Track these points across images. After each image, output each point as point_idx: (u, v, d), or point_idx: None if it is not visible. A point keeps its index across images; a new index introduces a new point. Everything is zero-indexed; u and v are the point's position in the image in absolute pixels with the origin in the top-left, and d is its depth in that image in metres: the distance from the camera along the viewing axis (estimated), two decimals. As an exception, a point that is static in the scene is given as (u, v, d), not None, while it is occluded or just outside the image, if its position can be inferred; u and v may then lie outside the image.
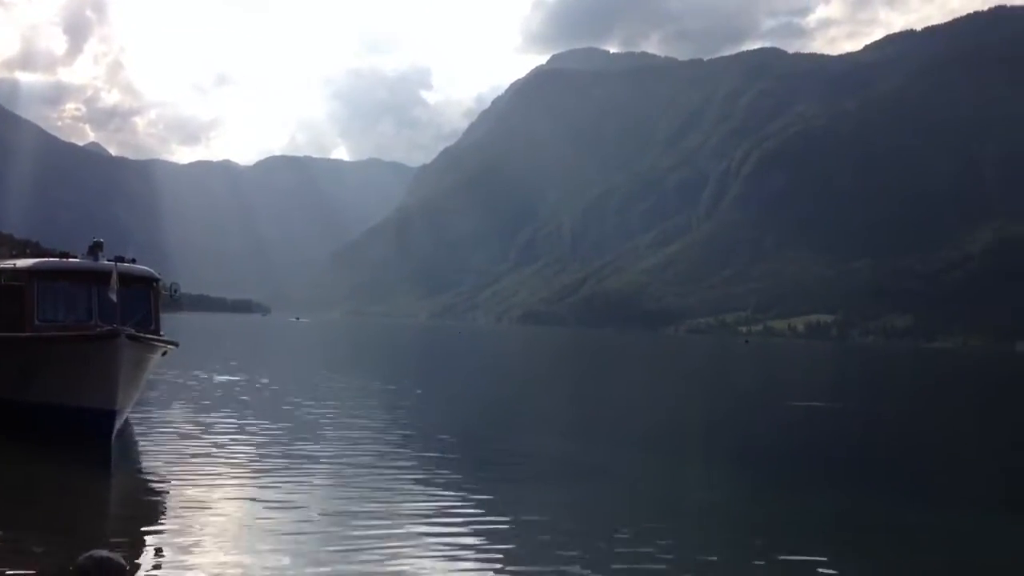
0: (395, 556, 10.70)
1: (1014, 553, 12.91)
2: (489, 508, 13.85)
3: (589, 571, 10.44)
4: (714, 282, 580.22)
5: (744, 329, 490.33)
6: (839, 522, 14.27)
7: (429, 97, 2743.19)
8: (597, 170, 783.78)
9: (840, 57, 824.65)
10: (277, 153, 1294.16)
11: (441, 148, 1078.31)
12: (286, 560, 10.28)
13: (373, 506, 13.64)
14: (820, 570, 10.85)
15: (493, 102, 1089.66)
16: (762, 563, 11.10)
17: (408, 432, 23.36)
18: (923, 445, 27.47)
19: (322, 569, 9.92)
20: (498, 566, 10.62)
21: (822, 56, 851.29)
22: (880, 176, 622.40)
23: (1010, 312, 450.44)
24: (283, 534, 11.61)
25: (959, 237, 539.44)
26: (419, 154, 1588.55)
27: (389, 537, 11.61)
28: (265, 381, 36.88)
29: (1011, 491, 18.80)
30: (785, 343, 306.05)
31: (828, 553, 11.64)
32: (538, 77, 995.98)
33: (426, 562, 10.65)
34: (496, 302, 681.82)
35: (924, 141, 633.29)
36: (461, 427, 25.58)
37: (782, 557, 11.35)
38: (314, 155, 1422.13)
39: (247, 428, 22.38)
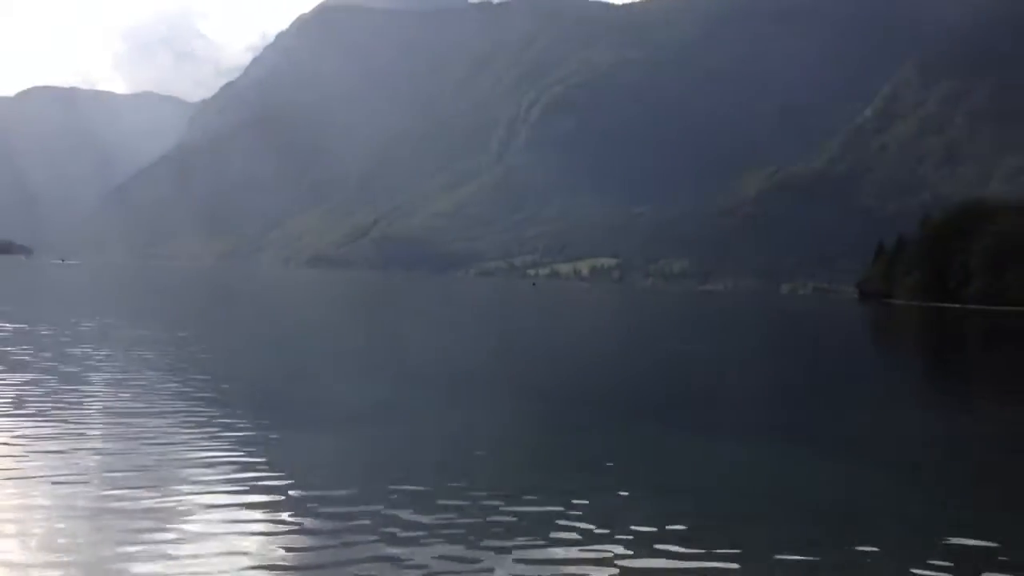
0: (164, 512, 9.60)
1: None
2: (271, 455, 12.70)
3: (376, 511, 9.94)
4: (504, 226, 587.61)
5: (532, 272, 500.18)
6: (605, 450, 14.21)
7: (208, 29, 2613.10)
8: (387, 111, 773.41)
9: (627, 6, 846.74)
10: (41, 84, 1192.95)
11: (222, 83, 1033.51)
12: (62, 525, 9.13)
13: (144, 459, 12.08)
14: (578, 501, 10.61)
15: (277, 36, 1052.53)
16: (541, 495, 10.88)
17: (187, 380, 20.09)
18: (716, 382, 26.76)
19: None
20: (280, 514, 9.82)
21: (610, 5, 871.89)
22: (662, 124, 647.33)
23: (777, 255, 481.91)
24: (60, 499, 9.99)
25: (733, 184, 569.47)
26: (199, 89, 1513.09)
27: (159, 487, 10.58)
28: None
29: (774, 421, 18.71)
30: (570, 285, 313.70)
31: (602, 482, 11.54)
32: (325, 12, 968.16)
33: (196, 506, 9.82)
34: (283, 245, 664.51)
35: (703, 91, 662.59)
36: (247, 375, 23.02)
37: (563, 487, 11.22)
38: (82, 87, 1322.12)
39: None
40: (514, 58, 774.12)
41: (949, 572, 8.64)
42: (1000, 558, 9.29)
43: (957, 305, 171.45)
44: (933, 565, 8.84)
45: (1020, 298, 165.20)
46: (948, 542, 9.61)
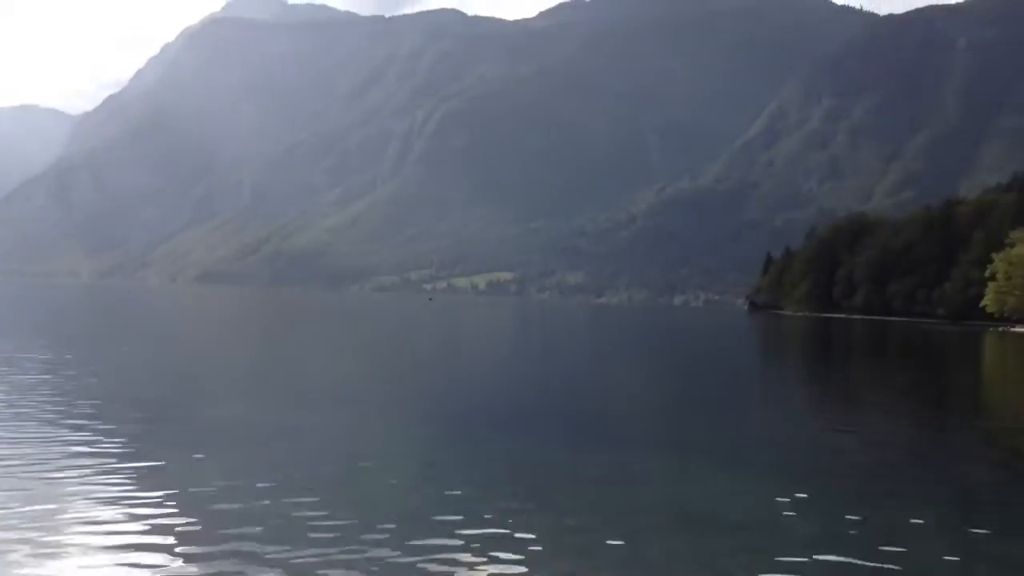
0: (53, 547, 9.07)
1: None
2: (154, 478, 11.94)
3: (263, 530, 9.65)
4: (399, 240, 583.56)
5: (428, 286, 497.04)
6: (512, 463, 14.12)
7: (89, 39, 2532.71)
8: (278, 124, 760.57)
9: (516, 22, 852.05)
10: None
11: (105, 95, 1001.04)
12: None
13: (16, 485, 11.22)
14: (469, 520, 10.27)
15: (163, 48, 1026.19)
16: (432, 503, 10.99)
17: (72, 405, 18.46)
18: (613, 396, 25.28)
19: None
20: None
21: (500, 20, 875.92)
22: (556, 140, 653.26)
23: (668, 268, 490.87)
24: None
25: (624, 199, 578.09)
26: (80, 101, 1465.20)
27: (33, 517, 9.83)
28: None
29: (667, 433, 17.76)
30: (468, 299, 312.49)
31: (494, 500, 11.30)
32: (212, 24, 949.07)
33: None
34: (170, 261, 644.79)
35: (595, 108, 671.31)
36: (130, 394, 21.41)
37: (449, 492, 11.39)
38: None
39: None
40: (406, 72, 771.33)
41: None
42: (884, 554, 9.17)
43: (842, 316, 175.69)
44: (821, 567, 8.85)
45: (903, 308, 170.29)
46: (826, 544, 9.55)
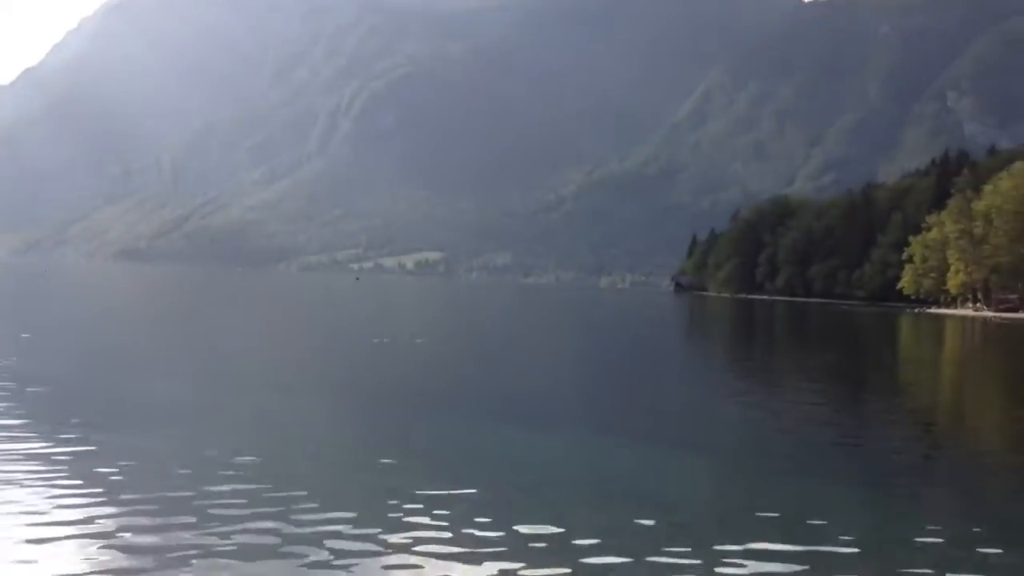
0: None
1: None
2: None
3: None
4: (325, 220, 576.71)
5: (356, 266, 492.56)
6: (431, 440, 13.91)
7: (4, 12, 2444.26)
8: (200, 100, 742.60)
9: (447, 1, 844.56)
10: None
11: (21, 69, 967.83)
12: None
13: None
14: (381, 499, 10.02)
15: (81, 22, 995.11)
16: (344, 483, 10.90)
17: None
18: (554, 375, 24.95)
19: None
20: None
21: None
22: (485, 120, 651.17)
23: (596, 249, 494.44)
24: None
25: (554, 180, 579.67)
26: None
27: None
28: None
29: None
30: (396, 279, 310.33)
31: (409, 478, 10.98)
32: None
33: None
34: (88, 238, 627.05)
35: (525, 89, 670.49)
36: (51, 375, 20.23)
37: (368, 471, 11.24)
38: None
39: None
40: (333, 50, 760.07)
41: (756, 544, 8.61)
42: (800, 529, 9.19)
43: (765, 297, 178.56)
44: (740, 542, 8.74)
45: (824, 290, 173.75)
46: (750, 519, 9.53)
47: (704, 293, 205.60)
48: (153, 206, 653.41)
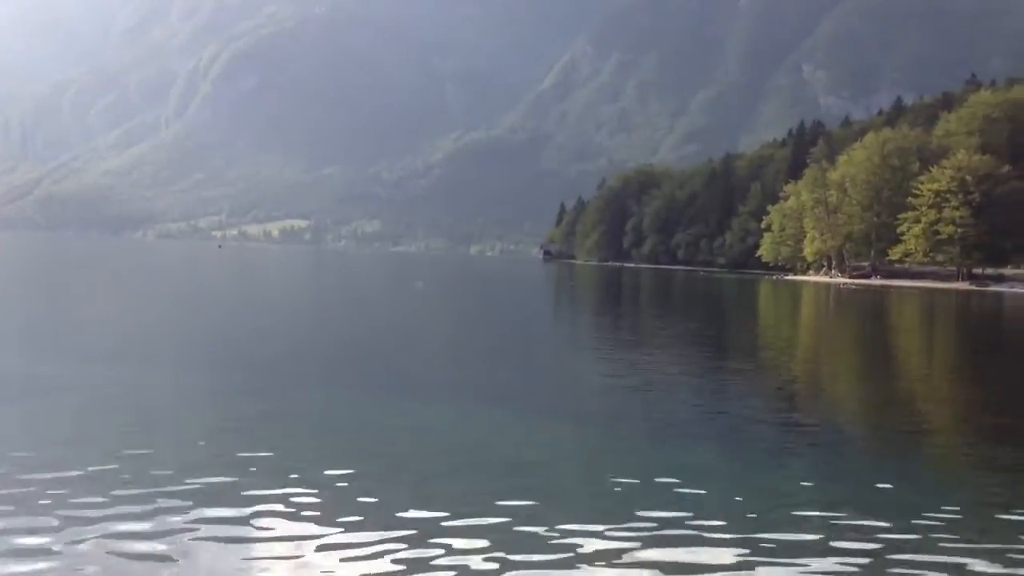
0: None
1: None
2: None
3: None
4: (185, 185, 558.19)
5: (218, 234, 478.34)
6: (298, 413, 13.56)
7: None
8: (49, 60, 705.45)
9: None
10: None
11: None
12: None
13: None
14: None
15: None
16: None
17: None
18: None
19: None
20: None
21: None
22: (350, 84, 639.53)
23: (465, 217, 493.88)
24: None
25: (421, 147, 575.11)
26: None
27: None
28: None
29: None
30: (260, 247, 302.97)
31: (278, 449, 10.78)
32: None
33: None
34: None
35: (391, 53, 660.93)
36: None
37: (238, 447, 10.76)
38: None
39: None
40: (191, 8, 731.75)
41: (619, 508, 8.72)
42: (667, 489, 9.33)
43: (631, 265, 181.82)
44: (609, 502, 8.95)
45: (687, 258, 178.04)
46: (619, 482, 9.60)
47: (572, 261, 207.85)
48: (1, 170, 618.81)
